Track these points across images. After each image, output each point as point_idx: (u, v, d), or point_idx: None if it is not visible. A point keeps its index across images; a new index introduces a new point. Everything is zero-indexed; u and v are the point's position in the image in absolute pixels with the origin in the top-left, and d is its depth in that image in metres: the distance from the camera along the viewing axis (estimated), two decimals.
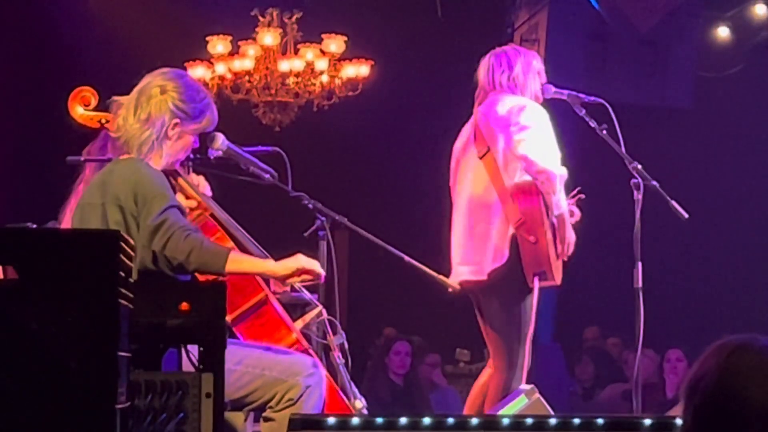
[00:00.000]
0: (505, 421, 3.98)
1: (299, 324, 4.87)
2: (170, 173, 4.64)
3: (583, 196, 6.16)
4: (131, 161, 4.49)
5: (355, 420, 4.00)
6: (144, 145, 4.49)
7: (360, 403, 4.86)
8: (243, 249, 4.73)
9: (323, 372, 4.64)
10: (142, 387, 3.61)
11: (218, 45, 9.99)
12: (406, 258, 5.71)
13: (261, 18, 10.16)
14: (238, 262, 4.38)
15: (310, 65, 10.14)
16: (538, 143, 5.72)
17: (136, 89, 4.55)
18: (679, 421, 3.35)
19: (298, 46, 10.22)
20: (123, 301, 3.08)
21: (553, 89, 5.99)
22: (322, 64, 10.14)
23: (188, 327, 3.70)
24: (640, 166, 5.85)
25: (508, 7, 10.07)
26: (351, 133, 11.20)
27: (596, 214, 10.94)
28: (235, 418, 4.63)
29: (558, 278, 5.87)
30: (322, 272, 4.63)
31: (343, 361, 4.94)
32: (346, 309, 9.42)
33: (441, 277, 5.80)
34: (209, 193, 4.89)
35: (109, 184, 4.43)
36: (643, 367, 6.84)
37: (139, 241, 4.28)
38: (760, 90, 10.25)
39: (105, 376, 2.94)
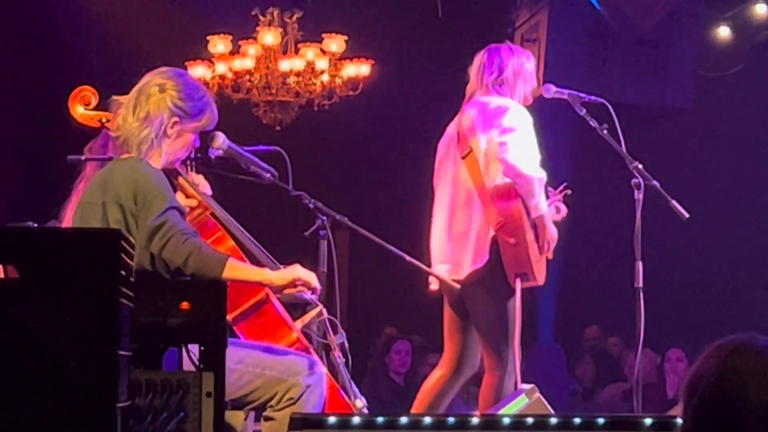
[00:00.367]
0: (506, 420, 3.97)
1: (299, 323, 4.87)
2: (170, 172, 4.64)
3: (569, 191, 6.18)
4: (132, 160, 4.49)
5: (356, 419, 4.00)
6: (143, 143, 4.49)
7: (360, 403, 4.86)
8: (243, 248, 4.73)
9: (324, 371, 4.64)
10: (143, 386, 3.62)
11: (219, 44, 9.99)
12: (407, 257, 5.71)
13: (262, 17, 10.15)
14: (236, 269, 4.36)
15: (310, 65, 10.14)
16: (518, 147, 5.74)
17: (135, 88, 4.55)
18: (679, 421, 3.35)
19: (299, 45, 10.22)
20: (124, 300, 3.08)
21: (554, 89, 6.00)
22: (322, 64, 10.14)
23: (189, 326, 3.70)
24: (640, 166, 5.85)
25: (509, 6, 10.06)
26: (352, 132, 11.20)
27: (597, 214, 10.95)
28: (236, 417, 4.63)
29: (540, 279, 5.90)
30: (318, 285, 4.63)
31: (344, 360, 4.94)
32: (347, 308, 9.43)
33: (442, 276, 5.81)
34: (209, 192, 4.89)
35: (110, 183, 4.43)
36: (644, 367, 6.84)
37: (138, 242, 4.27)
38: (761, 90, 10.24)
39: (106, 375, 2.94)
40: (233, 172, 5.15)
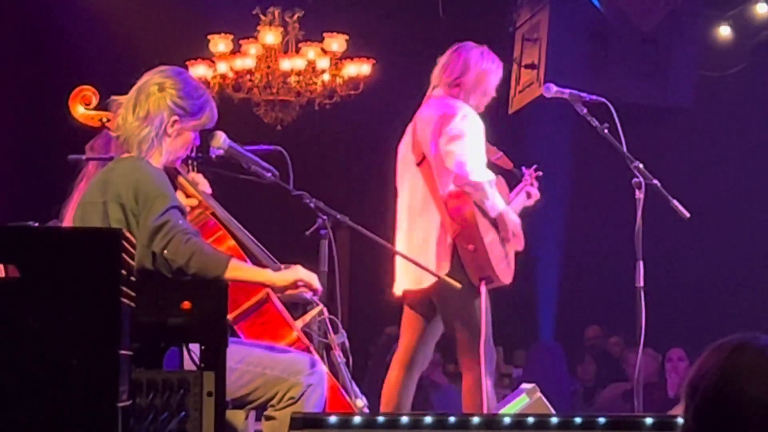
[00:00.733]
0: (507, 420, 3.97)
1: (300, 323, 4.87)
2: (170, 171, 4.64)
3: (540, 173, 6.20)
4: (132, 160, 4.49)
5: (357, 419, 4.00)
6: (143, 142, 4.49)
7: (361, 402, 4.86)
8: (244, 248, 4.72)
9: (324, 371, 4.64)
10: (144, 385, 3.61)
11: (220, 44, 9.99)
12: (408, 257, 5.71)
13: (262, 17, 10.15)
14: (238, 270, 4.36)
15: (311, 64, 10.14)
16: (464, 154, 5.78)
17: (134, 88, 4.56)
18: (680, 421, 3.35)
19: (300, 44, 10.22)
20: (124, 300, 3.08)
21: (555, 88, 5.99)
22: (323, 63, 10.14)
23: (190, 325, 3.70)
24: (641, 165, 5.84)
25: (510, 5, 10.06)
26: (352, 132, 11.19)
27: (597, 213, 10.95)
28: (237, 416, 4.63)
29: (506, 279, 5.94)
30: (320, 287, 4.63)
31: (344, 359, 4.94)
32: (347, 307, 9.41)
33: (442, 276, 5.80)
34: (209, 191, 4.88)
35: (110, 182, 4.42)
36: (645, 367, 6.83)
37: (139, 241, 4.27)
38: (762, 89, 10.24)
39: (106, 374, 2.94)
40: (234, 172, 5.14)
